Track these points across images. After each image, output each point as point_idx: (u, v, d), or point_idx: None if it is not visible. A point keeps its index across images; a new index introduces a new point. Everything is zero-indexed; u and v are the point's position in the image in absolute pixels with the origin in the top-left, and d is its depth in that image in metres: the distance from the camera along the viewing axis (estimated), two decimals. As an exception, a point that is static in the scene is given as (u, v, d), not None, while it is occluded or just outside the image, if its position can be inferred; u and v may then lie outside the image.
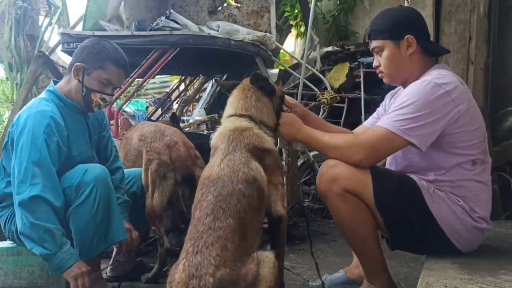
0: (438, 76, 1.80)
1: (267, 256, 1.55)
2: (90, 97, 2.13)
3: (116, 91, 2.26)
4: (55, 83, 2.23)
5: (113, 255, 2.50)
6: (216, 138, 1.79)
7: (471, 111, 1.81)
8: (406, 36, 1.86)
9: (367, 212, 1.81)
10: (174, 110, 5.58)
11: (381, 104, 2.23)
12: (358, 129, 2.23)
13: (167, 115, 4.66)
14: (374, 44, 1.94)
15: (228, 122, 1.83)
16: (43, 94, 2.18)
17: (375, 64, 1.99)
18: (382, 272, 1.92)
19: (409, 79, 1.90)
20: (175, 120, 3.24)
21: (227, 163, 1.66)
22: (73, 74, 2.12)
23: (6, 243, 2.22)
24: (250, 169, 1.67)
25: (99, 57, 2.10)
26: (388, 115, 1.80)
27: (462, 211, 1.80)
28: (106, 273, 2.48)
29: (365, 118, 4.55)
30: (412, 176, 1.84)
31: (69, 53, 3.37)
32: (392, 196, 1.79)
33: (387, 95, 2.19)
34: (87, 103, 2.15)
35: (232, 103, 1.89)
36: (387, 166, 2.03)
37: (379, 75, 2.00)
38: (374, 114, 2.23)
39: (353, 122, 2.63)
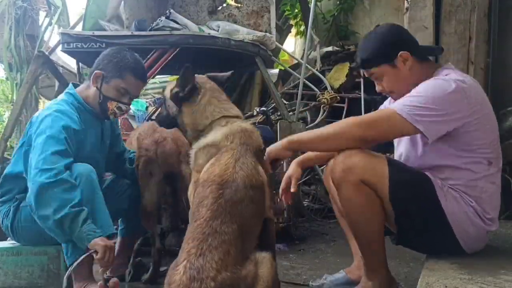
0: (451, 74, 1.79)
1: (264, 257, 1.55)
2: (107, 105, 2.17)
3: (131, 99, 2.24)
4: (75, 86, 2.27)
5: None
6: (223, 137, 1.74)
7: (485, 108, 1.81)
8: (400, 53, 1.86)
9: (379, 205, 1.78)
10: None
11: (381, 106, 2.22)
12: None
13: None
14: (371, 71, 1.95)
15: (232, 122, 1.80)
16: (62, 96, 2.21)
17: (378, 89, 1.99)
18: (382, 269, 1.91)
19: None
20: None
21: (241, 166, 1.64)
22: (92, 81, 2.16)
23: (7, 243, 2.23)
24: (259, 175, 1.67)
25: (118, 66, 2.14)
26: (398, 101, 1.78)
27: (474, 212, 1.79)
28: (106, 274, 2.48)
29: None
30: (427, 173, 1.81)
31: (69, 53, 3.38)
32: (407, 189, 1.76)
33: (389, 98, 2.17)
34: (103, 111, 2.18)
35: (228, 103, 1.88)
36: None
37: (391, 96, 2.01)
38: None
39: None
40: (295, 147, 1.89)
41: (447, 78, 1.76)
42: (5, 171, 2.20)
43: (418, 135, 1.86)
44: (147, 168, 2.36)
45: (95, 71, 2.15)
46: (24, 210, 2.09)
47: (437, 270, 1.67)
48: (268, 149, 1.87)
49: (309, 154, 2.13)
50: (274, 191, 3.64)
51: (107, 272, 2.48)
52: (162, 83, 7.48)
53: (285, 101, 4.14)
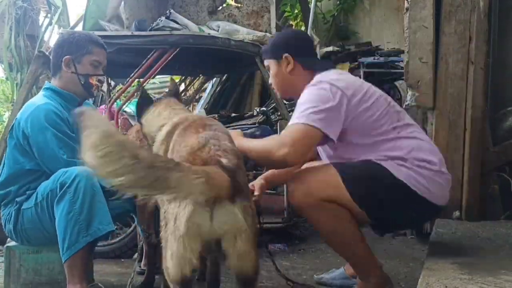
0: (318, 77, 1.97)
1: None
2: (89, 83, 2.25)
3: (103, 68, 2.32)
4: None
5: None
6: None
7: (361, 90, 1.93)
8: (284, 55, 2.05)
9: (347, 214, 1.84)
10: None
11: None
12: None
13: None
14: (264, 63, 2.19)
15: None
16: (41, 93, 2.27)
17: (269, 81, 2.22)
18: (375, 269, 1.94)
19: (297, 90, 2.03)
20: None
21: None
22: (65, 68, 2.22)
23: None
24: None
25: (80, 45, 2.22)
26: (294, 114, 1.93)
27: (419, 168, 1.85)
28: (140, 267, 2.52)
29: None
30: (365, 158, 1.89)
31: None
32: (364, 185, 1.83)
33: None
34: (88, 89, 2.26)
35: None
36: None
37: (275, 91, 2.23)
38: None
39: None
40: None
41: (316, 82, 1.93)
42: (2, 176, 2.21)
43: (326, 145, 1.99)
44: None
45: (63, 58, 2.21)
46: (26, 213, 2.11)
47: (437, 270, 1.67)
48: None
49: (273, 171, 2.23)
50: (274, 192, 3.66)
51: (141, 266, 2.49)
52: (162, 83, 7.49)
53: (285, 101, 4.13)
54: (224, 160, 1.45)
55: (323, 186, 1.83)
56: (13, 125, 2.20)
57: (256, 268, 1.53)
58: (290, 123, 1.91)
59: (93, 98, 2.34)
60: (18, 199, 2.14)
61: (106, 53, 2.32)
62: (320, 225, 1.91)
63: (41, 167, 2.13)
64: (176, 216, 1.42)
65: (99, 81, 2.28)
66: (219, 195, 1.39)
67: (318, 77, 1.98)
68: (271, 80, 2.18)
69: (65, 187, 1.96)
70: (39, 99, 2.23)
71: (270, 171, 2.25)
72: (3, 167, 2.23)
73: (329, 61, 2.28)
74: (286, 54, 2.04)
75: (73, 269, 1.96)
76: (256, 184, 2.14)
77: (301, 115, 1.86)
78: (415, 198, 1.85)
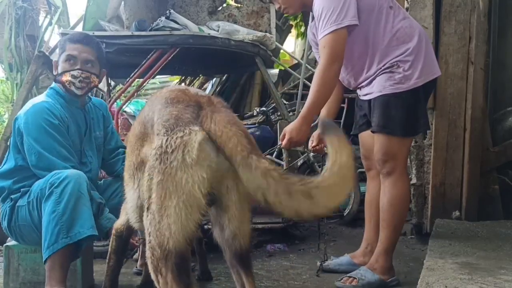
0: None
1: None
2: (61, 80, 2.23)
3: (89, 65, 2.27)
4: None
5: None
6: None
7: None
8: None
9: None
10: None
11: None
12: None
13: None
14: None
15: None
16: (45, 92, 2.30)
17: (277, 7, 2.46)
18: (389, 258, 2.28)
19: (303, 3, 2.34)
20: None
21: None
22: (54, 72, 2.29)
23: None
24: None
25: (60, 46, 2.28)
26: (319, 28, 2.18)
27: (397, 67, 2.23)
28: (137, 267, 2.53)
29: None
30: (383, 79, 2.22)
31: (69, 53, 3.38)
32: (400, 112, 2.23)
33: (308, 32, 2.57)
34: (66, 89, 2.24)
35: None
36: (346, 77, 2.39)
37: (284, 12, 2.44)
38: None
39: (353, 122, 2.64)
40: (309, 118, 2.21)
41: None
42: None
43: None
44: None
45: (53, 62, 2.31)
46: (21, 210, 2.12)
47: (437, 270, 1.67)
48: (289, 133, 2.20)
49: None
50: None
51: (137, 267, 2.50)
52: (162, 83, 7.49)
53: (285, 101, 4.13)
54: None
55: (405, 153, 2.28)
56: (14, 122, 2.21)
57: (251, 238, 1.53)
58: (321, 34, 2.16)
59: (80, 96, 2.28)
60: (13, 196, 2.15)
61: (87, 47, 2.26)
62: (397, 196, 2.23)
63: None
64: (185, 143, 1.38)
65: (72, 76, 2.21)
66: None
67: None
68: (279, 3, 2.38)
69: (53, 187, 1.97)
70: (40, 97, 2.26)
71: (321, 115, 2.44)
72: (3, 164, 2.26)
73: None
74: None
75: (51, 271, 1.94)
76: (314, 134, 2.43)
77: (327, 24, 2.13)
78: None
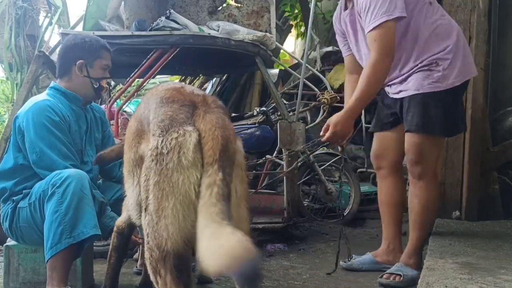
0: None
1: None
2: (101, 86, 2.34)
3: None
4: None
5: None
6: None
7: None
8: None
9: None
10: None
11: (336, 36, 2.56)
12: (346, 67, 2.58)
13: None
14: None
15: None
16: (45, 91, 2.30)
17: None
18: (420, 251, 2.29)
19: None
20: None
21: None
22: (77, 72, 2.26)
23: None
24: None
25: (92, 49, 2.28)
26: (367, 20, 2.14)
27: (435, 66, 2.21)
28: (137, 267, 2.53)
29: (365, 117, 4.55)
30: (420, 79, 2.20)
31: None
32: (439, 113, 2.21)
33: (334, 21, 2.53)
34: (98, 92, 2.35)
35: None
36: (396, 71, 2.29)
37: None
38: (340, 44, 2.56)
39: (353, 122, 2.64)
40: (357, 110, 2.25)
41: None
42: None
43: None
44: None
45: (77, 62, 2.25)
46: (22, 212, 2.11)
47: (437, 270, 1.67)
48: (336, 129, 2.18)
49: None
50: (275, 192, 3.65)
51: (137, 266, 2.50)
52: (162, 83, 7.49)
53: (285, 101, 4.13)
54: None
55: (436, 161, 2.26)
56: (14, 121, 2.21)
57: (248, 235, 1.52)
58: (371, 26, 2.12)
59: (100, 99, 2.37)
60: (14, 198, 2.15)
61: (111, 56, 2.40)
62: (430, 198, 2.25)
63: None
64: (180, 144, 1.39)
65: (107, 83, 2.40)
66: None
67: None
68: None
69: (55, 187, 1.97)
70: (41, 96, 2.26)
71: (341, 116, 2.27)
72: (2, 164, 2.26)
73: None
74: None
75: (53, 271, 1.94)
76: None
77: (378, 15, 2.10)
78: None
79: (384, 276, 2.27)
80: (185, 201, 1.37)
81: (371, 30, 2.13)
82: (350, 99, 2.27)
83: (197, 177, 1.37)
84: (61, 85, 2.29)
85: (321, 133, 2.29)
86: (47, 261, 1.95)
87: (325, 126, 2.24)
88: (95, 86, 2.30)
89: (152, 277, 1.45)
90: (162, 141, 1.43)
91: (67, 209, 1.94)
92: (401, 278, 2.21)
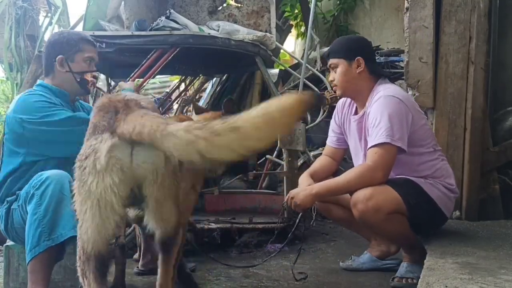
0: (387, 89, 2.29)
1: None
2: (85, 79, 2.28)
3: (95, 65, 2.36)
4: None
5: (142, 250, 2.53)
6: None
7: (416, 108, 2.34)
8: (357, 58, 2.34)
9: (404, 218, 2.22)
10: (174, 110, 5.58)
11: (332, 121, 2.62)
12: (325, 151, 2.64)
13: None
14: (331, 61, 2.41)
15: None
16: (32, 88, 2.32)
17: (330, 79, 2.47)
18: (419, 245, 2.28)
19: (357, 92, 2.38)
20: None
21: None
22: (59, 68, 2.24)
23: None
24: None
25: (70, 44, 2.25)
26: (372, 136, 2.21)
27: (443, 187, 2.30)
28: (138, 267, 2.52)
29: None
30: (408, 177, 2.29)
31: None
32: (414, 197, 2.22)
33: (335, 113, 2.60)
34: (83, 86, 2.29)
35: None
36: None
37: (334, 88, 2.46)
38: (331, 133, 2.62)
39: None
40: (322, 197, 2.33)
41: (387, 96, 2.23)
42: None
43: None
44: None
45: (57, 58, 2.23)
46: (15, 213, 2.11)
47: (437, 270, 1.67)
48: (295, 197, 2.27)
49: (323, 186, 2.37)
50: (275, 192, 3.65)
51: (139, 266, 2.50)
52: (162, 83, 7.49)
53: (285, 101, 4.11)
54: None
55: (388, 202, 2.16)
56: (4, 123, 2.22)
57: (175, 227, 1.56)
58: (374, 142, 2.18)
59: (89, 94, 2.35)
60: (8, 199, 2.15)
61: (97, 50, 2.37)
62: (388, 232, 2.29)
63: (34, 157, 2.13)
64: (96, 150, 1.44)
65: (94, 77, 2.32)
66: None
67: (382, 89, 2.29)
68: (335, 78, 2.38)
69: (35, 189, 1.95)
70: (28, 91, 2.28)
71: (321, 186, 2.33)
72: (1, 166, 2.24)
73: (383, 69, 2.69)
74: (359, 57, 2.34)
75: (33, 274, 1.92)
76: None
77: (383, 134, 2.16)
78: (437, 212, 2.28)
79: (395, 279, 2.29)
80: (101, 204, 1.43)
81: (375, 145, 2.18)
82: (322, 177, 2.43)
83: (114, 180, 1.42)
84: (47, 82, 2.29)
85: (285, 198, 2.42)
86: (27, 264, 1.92)
87: (288, 194, 2.36)
88: (77, 80, 2.26)
89: (80, 279, 1.51)
90: (84, 148, 1.51)
91: (45, 211, 1.91)
92: (414, 280, 2.22)
